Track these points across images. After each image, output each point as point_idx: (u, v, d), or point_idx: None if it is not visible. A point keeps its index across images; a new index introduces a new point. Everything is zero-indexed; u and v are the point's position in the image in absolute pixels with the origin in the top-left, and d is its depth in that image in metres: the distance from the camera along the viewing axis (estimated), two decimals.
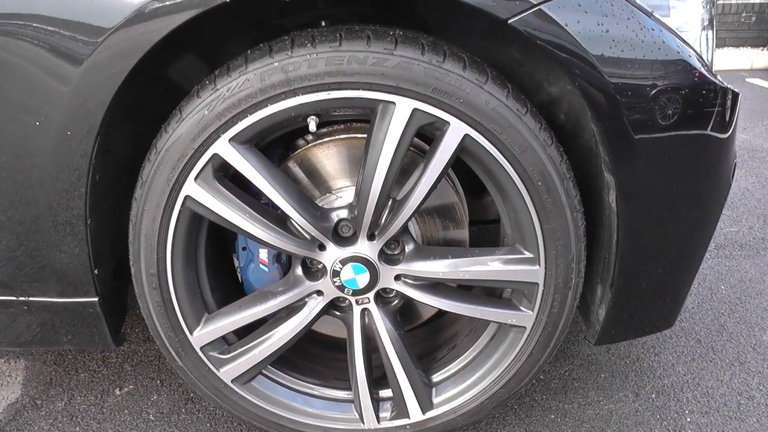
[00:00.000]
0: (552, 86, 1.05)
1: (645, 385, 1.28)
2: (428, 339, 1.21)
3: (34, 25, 0.85)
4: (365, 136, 1.04)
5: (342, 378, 1.12)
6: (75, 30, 0.84)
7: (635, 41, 0.88)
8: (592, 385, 1.29)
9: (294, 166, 1.09)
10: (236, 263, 1.12)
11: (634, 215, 0.96)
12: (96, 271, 1.01)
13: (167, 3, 0.83)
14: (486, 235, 1.63)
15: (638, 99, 0.89)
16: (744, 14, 5.66)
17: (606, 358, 1.37)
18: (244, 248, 1.08)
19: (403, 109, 0.87)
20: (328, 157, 1.08)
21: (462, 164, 0.97)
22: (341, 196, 1.08)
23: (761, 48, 5.81)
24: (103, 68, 0.85)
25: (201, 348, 1.03)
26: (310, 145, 1.08)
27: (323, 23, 1.09)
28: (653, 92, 0.90)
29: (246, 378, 1.06)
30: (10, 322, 1.08)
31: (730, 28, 5.74)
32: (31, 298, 1.05)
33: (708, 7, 1.04)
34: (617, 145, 0.91)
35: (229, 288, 1.14)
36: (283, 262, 1.07)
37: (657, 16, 0.91)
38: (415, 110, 0.87)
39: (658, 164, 0.93)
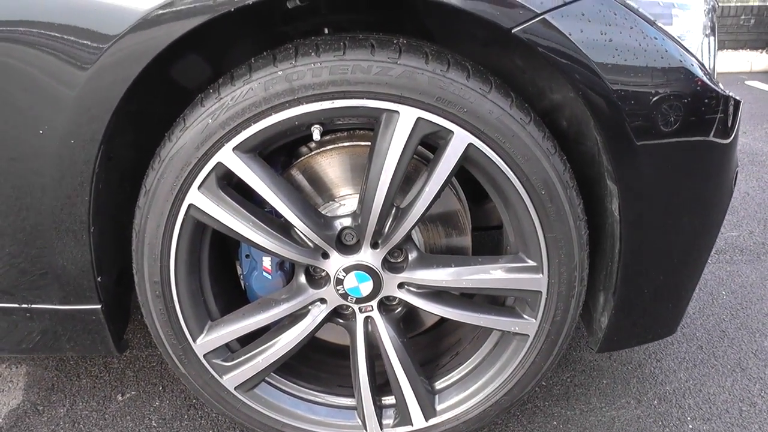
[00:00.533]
0: (554, 93, 1.05)
1: (647, 392, 1.28)
2: (431, 345, 1.21)
3: (39, 31, 0.85)
4: (368, 143, 1.04)
5: (345, 385, 1.12)
6: (80, 36, 0.84)
7: (638, 50, 0.88)
8: (594, 392, 1.29)
9: (297, 174, 1.09)
10: (239, 270, 1.12)
11: (637, 223, 0.96)
12: (99, 279, 1.01)
13: (173, 10, 0.83)
14: (487, 240, 1.63)
15: (641, 107, 0.89)
16: (743, 17, 5.67)
17: (608, 364, 1.37)
18: (247, 256, 1.08)
19: (406, 118, 0.87)
20: (331, 165, 1.08)
21: (463, 170, 0.97)
22: (344, 203, 1.08)
23: (760, 50, 5.82)
24: (108, 75, 0.86)
25: (204, 355, 1.03)
26: (313, 152, 1.08)
27: (326, 30, 1.09)
28: (656, 100, 0.90)
29: (249, 385, 1.06)
30: (11, 329, 1.07)
31: (729, 31, 5.75)
32: (33, 305, 1.05)
33: (710, 15, 1.04)
34: (620, 153, 0.91)
35: (232, 295, 1.14)
36: (287, 269, 1.07)
37: (659, 24, 0.92)
38: (418, 119, 0.87)
39: (661, 172, 0.94)
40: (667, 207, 0.97)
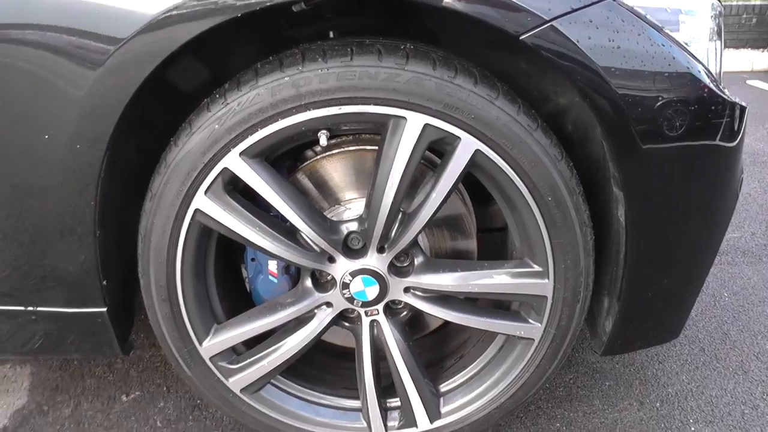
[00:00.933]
0: (559, 97, 1.05)
1: (649, 394, 1.29)
2: (435, 347, 1.21)
3: (46, 34, 0.84)
4: (374, 147, 1.05)
5: (349, 387, 1.13)
6: (89, 38, 0.84)
7: (645, 56, 0.89)
8: (596, 394, 1.30)
9: (303, 178, 1.09)
10: (244, 274, 1.12)
11: (642, 229, 0.96)
12: (104, 282, 1.02)
13: (182, 13, 0.83)
14: (491, 242, 1.63)
15: (647, 113, 0.90)
16: (744, 15, 5.66)
17: (610, 366, 1.37)
18: (252, 259, 1.08)
19: (414, 124, 0.87)
20: (336, 169, 1.08)
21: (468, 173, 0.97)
22: (350, 207, 1.08)
23: (761, 50, 5.81)
24: (116, 77, 0.85)
25: (210, 358, 1.03)
26: (318, 156, 1.08)
27: (332, 34, 1.09)
28: (662, 106, 0.90)
29: (255, 388, 1.06)
30: (16, 332, 1.08)
31: (731, 30, 5.74)
32: (38, 308, 1.05)
33: (717, 20, 1.04)
34: (627, 160, 0.91)
35: (237, 298, 1.15)
36: (292, 273, 1.08)
37: (667, 31, 0.92)
38: (426, 125, 0.87)
39: (668, 178, 0.94)
40: (673, 212, 0.97)
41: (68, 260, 1.00)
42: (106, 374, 1.43)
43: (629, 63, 0.88)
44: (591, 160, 1.03)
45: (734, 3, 5.91)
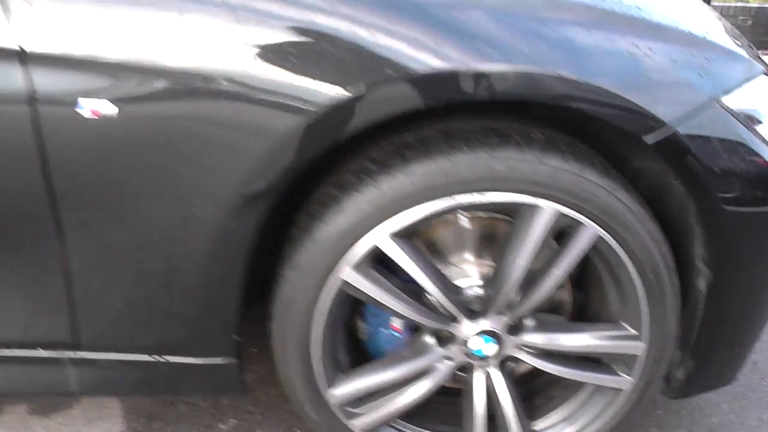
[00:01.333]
0: (635, 160, 1.18)
1: (696, 423, 1.47)
2: (522, 384, 1.35)
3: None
4: (489, 215, 1.16)
5: (449, 422, 1.26)
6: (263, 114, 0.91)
7: (736, 150, 1.03)
8: (651, 422, 1.47)
9: (418, 240, 1.19)
10: (361, 325, 1.22)
11: (722, 300, 1.12)
12: (236, 337, 1.11)
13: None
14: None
15: (736, 194, 1.04)
16: (740, 17, 5.82)
17: (659, 394, 1.54)
18: (374, 314, 1.18)
19: (547, 212, 0.99)
20: (450, 234, 1.18)
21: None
22: (462, 268, 1.19)
23: (758, 51, 6.03)
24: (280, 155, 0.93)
25: (336, 405, 1.14)
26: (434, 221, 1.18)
27: None
28: (747, 188, 1.05)
29: (375, 429, 1.18)
30: (148, 376, 1.16)
31: None
32: (169, 358, 1.13)
33: None
34: (718, 245, 1.06)
35: (352, 345, 1.25)
36: (412, 328, 1.19)
37: (754, 126, 1.06)
38: (557, 213, 0.99)
39: (753, 252, 1.09)
40: (752, 280, 1.13)
41: (209, 320, 1.08)
42: (196, 401, 1.51)
43: (723, 154, 1.02)
44: (665, 223, 1.16)
45: (731, 4, 6.10)
